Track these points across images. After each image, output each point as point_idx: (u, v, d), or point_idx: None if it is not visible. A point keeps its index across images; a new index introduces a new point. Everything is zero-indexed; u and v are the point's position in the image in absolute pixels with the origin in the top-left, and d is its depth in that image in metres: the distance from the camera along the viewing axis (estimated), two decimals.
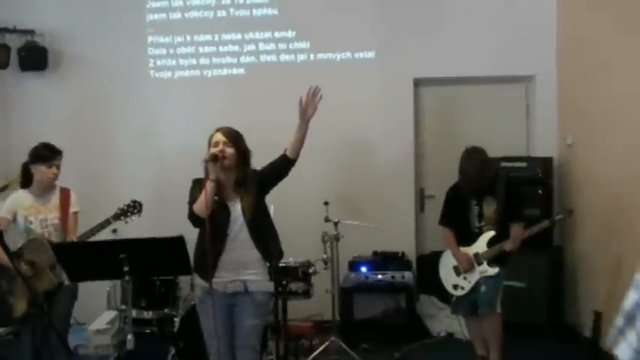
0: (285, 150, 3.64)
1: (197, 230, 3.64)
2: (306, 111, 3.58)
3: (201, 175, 3.61)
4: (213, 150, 3.50)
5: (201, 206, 3.44)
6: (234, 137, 3.56)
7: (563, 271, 5.89)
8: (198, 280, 3.63)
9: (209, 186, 3.40)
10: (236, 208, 3.54)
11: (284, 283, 4.46)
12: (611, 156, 5.10)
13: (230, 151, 3.51)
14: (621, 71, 4.94)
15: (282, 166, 3.65)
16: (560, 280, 5.86)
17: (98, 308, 5.83)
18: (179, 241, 3.27)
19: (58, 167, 4.25)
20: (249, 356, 3.57)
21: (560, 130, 6.16)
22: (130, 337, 3.34)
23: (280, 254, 3.70)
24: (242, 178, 3.56)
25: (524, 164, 5.93)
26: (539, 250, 5.49)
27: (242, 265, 3.54)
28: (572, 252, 5.85)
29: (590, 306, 5.35)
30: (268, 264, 3.58)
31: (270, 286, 3.63)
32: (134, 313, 5.02)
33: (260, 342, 3.68)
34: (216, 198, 3.45)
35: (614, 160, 5.04)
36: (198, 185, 3.57)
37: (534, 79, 6.32)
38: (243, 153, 3.57)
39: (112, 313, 5.71)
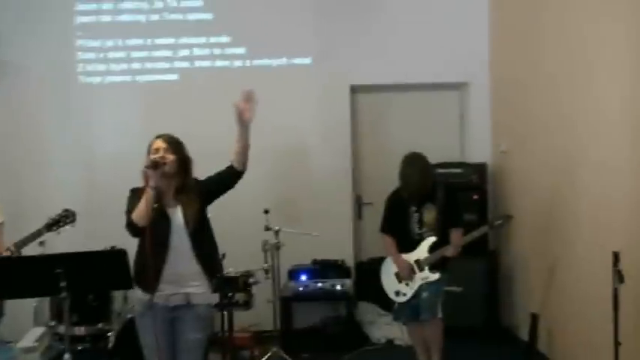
0: (231, 162, 3.52)
1: (131, 241, 3.48)
2: (243, 116, 3.42)
3: (136, 183, 3.49)
4: (153, 156, 3.38)
5: (140, 214, 3.30)
6: (175, 144, 3.47)
7: (499, 275, 6.00)
8: (138, 294, 3.47)
9: (149, 194, 3.28)
10: (177, 217, 3.43)
11: (230, 294, 4.34)
12: (543, 161, 5.22)
13: (171, 157, 3.40)
14: (551, 79, 5.07)
15: (228, 178, 3.54)
16: (496, 284, 5.97)
17: (25, 325, 5.55)
18: (121, 255, 3.12)
19: None
20: None
21: (493, 136, 6.29)
22: (67, 356, 3.15)
23: (220, 269, 3.62)
24: (182, 187, 3.45)
25: (459, 170, 6.01)
26: (476, 255, 5.55)
27: (183, 278, 3.41)
28: (508, 256, 5.97)
29: (525, 309, 5.47)
30: (209, 279, 3.48)
31: (213, 299, 3.53)
32: (65, 329, 4.78)
33: (203, 357, 3.57)
34: (155, 206, 3.32)
35: (546, 166, 5.17)
36: (136, 194, 3.42)
37: (468, 86, 6.43)
38: (183, 160, 3.46)
39: (40, 330, 5.42)
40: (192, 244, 3.41)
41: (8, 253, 3.85)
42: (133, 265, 3.43)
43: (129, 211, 3.41)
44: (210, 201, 3.56)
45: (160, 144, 3.43)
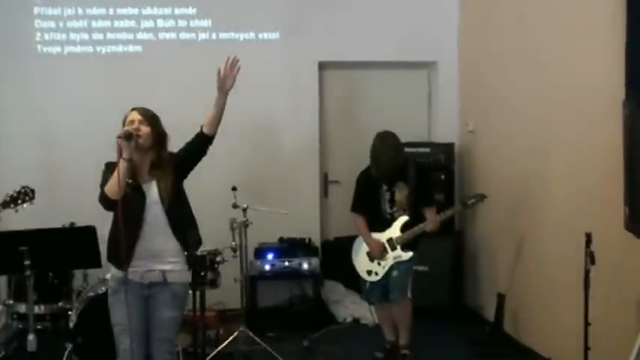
0: (202, 127, 3.46)
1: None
2: (225, 83, 3.42)
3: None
4: (128, 127, 3.28)
5: (113, 187, 3.19)
6: (151, 117, 3.38)
7: (465, 255, 6.03)
8: (112, 270, 3.40)
9: (122, 165, 3.17)
10: (152, 193, 3.34)
11: (202, 273, 4.24)
12: (511, 141, 5.24)
13: (146, 130, 3.31)
14: (520, 59, 5.07)
15: (199, 145, 3.47)
16: (461, 264, 6.00)
17: None
18: (89, 232, 2.99)
19: None
20: (167, 349, 3.40)
21: (461, 116, 6.27)
22: (31, 337, 3.01)
23: (199, 243, 3.58)
24: (158, 161, 3.36)
25: (427, 150, 6.00)
26: (441, 235, 5.50)
27: (159, 254, 3.34)
28: (474, 236, 5.99)
29: (490, 289, 5.50)
30: (186, 253, 3.42)
31: (189, 277, 3.48)
32: (23, 308, 4.62)
33: (177, 335, 3.53)
34: (130, 181, 3.24)
35: (514, 145, 5.19)
36: (110, 168, 3.32)
37: (436, 65, 6.39)
38: (159, 134, 3.38)
39: None
40: (168, 219, 3.33)
41: None
42: (107, 241, 3.37)
43: (103, 185, 3.31)
44: (185, 173, 3.49)
45: (135, 116, 3.35)
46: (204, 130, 3.45)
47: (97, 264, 3.25)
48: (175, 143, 3.59)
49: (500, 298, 5.06)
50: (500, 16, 5.44)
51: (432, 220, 4.57)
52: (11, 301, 4.78)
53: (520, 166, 5.05)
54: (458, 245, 5.95)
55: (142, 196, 3.32)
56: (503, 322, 5.08)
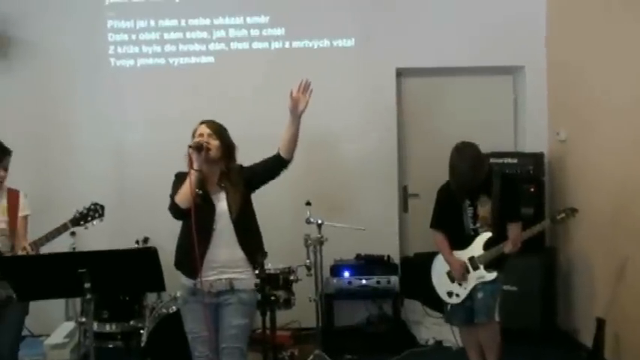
0: (279, 150, 3.52)
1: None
2: (297, 106, 3.47)
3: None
4: (199, 139, 3.38)
5: (183, 196, 3.30)
6: (219, 130, 3.48)
7: (557, 274, 5.57)
8: (182, 280, 3.47)
9: (193, 175, 3.26)
10: (221, 204, 3.41)
11: (272, 298, 4.05)
12: (609, 150, 4.79)
13: (215, 143, 3.40)
14: (615, 61, 4.64)
15: (274, 167, 3.55)
16: (554, 284, 5.54)
17: (56, 319, 5.34)
18: (151, 255, 2.82)
19: (5, 169, 3.76)
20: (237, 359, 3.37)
21: (551, 124, 5.83)
22: None
23: (264, 254, 3.55)
24: (226, 173, 3.45)
25: (514, 160, 5.60)
26: (531, 252, 5.09)
27: (227, 264, 3.40)
28: (567, 254, 5.53)
29: (587, 311, 5.05)
30: (253, 266, 3.45)
31: (254, 283, 3.46)
32: (95, 326, 4.53)
33: (247, 344, 3.48)
34: (199, 191, 3.28)
35: (613, 155, 4.74)
36: (180, 179, 3.41)
37: (523, 69, 5.97)
38: (228, 146, 3.47)
39: (71, 325, 5.20)
40: (235, 230, 3.39)
41: (24, 253, 3.59)
42: (175, 251, 3.51)
43: (173, 195, 3.40)
44: (254, 188, 3.55)
45: (204, 129, 3.44)
46: (282, 154, 3.51)
47: (161, 287, 3.09)
48: (247, 155, 3.60)
49: (600, 323, 4.59)
50: (594, 11, 5.00)
51: (512, 239, 4.19)
52: (84, 319, 4.69)
53: (622, 178, 4.58)
54: (549, 263, 5.49)
55: (211, 207, 3.38)
56: (604, 350, 4.61)
